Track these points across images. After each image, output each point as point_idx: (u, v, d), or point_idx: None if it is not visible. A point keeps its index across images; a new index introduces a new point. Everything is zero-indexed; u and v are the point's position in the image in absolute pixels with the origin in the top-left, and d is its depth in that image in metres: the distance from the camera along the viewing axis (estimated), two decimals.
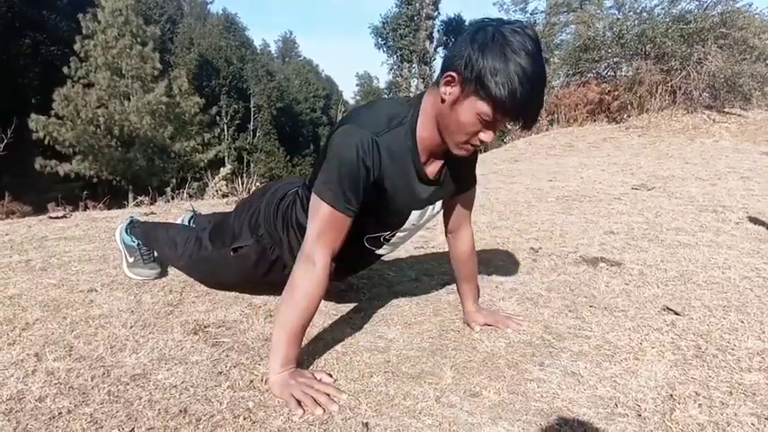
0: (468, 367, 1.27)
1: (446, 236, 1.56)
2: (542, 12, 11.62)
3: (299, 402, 1.08)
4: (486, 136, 1.13)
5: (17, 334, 1.38)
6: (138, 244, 1.86)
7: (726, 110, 8.09)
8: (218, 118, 28.52)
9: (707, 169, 4.58)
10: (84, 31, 18.26)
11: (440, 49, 26.33)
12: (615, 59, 9.11)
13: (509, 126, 1.19)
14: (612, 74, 9.27)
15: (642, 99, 8.10)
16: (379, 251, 1.48)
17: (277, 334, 1.17)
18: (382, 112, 1.22)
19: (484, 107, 1.06)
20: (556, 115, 8.82)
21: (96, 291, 1.72)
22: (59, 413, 1.04)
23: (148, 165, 18.84)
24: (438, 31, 26.50)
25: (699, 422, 1.05)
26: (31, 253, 2.15)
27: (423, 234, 2.47)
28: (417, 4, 25.26)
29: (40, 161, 17.49)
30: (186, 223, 2.08)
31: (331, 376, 1.21)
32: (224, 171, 4.92)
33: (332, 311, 1.62)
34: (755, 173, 4.34)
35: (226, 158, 24.32)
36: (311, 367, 1.26)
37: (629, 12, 8.98)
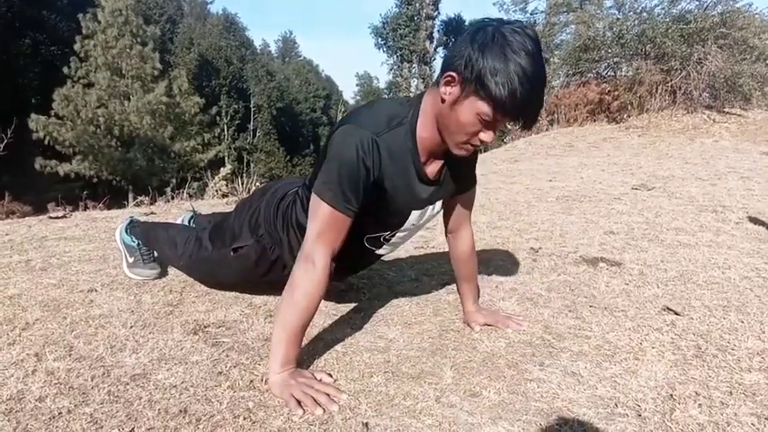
0: (468, 367, 1.27)
1: (446, 236, 1.56)
2: (542, 12, 11.64)
3: (298, 402, 1.08)
4: (487, 136, 1.13)
5: (17, 334, 1.38)
6: (138, 244, 1.86)
7: (726, 110, 8.09)
8: (218, 118, 28.52)
9: (707, 169, 4.58)
10: (84, 31, 18.27)
11: (440, 49, 26.34)
12: (615, 59, 9.11)
13: (509, 126, 1.19)
14: (612, 74, 9.28)
15: (642, 99, 8.10)
16: (380, 251, 1.48)
17: (277, 334, 1.17)
18: (382, 112, 1.22)
19: (484, 107, 1.06)
20: (556, 115, 8.82)
21: (96, 291, 1.72)
22: (59, 413, 1.03)
23: (148, 165, 18.84)
24: (438, 31, 26.51)
25: (699, 422, 1.05)
26: (31, 253, 2.15)
27: (423, 234, 2.47)
28: (417, 4, 25.25)
29: (39, 161, 17.50)
30: (186, 223, 2.08)
31: (331, 376, 1.21)
32: (224, 171, 4.92)
33: (332, 311, 1.62)
34: (755, 173, 4.34)
35: (226, 158, 24.32)
36: (311, 367, 1.26)
37: (629, 12, 8.99)
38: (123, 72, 18.70)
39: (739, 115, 7.92)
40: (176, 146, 19.66)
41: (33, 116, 16.93)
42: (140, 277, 1.83)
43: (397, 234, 1.41)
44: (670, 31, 7.88)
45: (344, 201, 1.17)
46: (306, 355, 1.30)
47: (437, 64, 25.96)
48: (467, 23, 25.29)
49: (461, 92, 1.08)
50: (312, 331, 1.43)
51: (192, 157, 20.16)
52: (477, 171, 1.45)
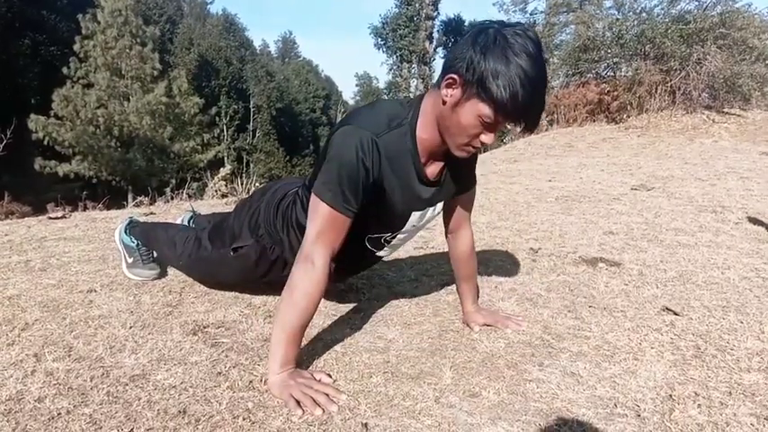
0: (467, 368, 1.27)
1: (446, 236, 1.56)
2: (542, 12, 11.66)
3: (298, 403, 1.08)
4: (487, 138, 1.13)
5: (16, 334, 1.38)
6: (138, 244, 1.86)
7: (725, 110, 8.10)
8: (217, 118, 28.49)
9: (706, 169, 4.58)
10: (83, 32, 18.26)
11: (439, 50, 26.36)
12: (615, 60, 9.12)
13: (509, 127, 1.19)
14: (612, 74, 9.29)
15: (641, 99, 8.11)
16: (380, 253, 1.48)
17: (276, 334, 1.17)
18: (382, 112, 1.22)
19: (485, 109, 1.07)
20: (555, 115, 8.83)
21: (96, 291, 1.72)
22: (58, 414, 1.03)
23: (148, 165, 18.84)
24: (438, 31, 26.53)
25: (698, 422, 1.05)
26: (30, 253, 2.15)
27: (422, 234, 2.47)
28: (417, 5, 25.26)
29: (39, 161, 17.49)
30: (186, 223, 2.08)
31: (330, 376, 1.20)
32: (223, 171, 4.92)
33: (331, 312, 1.62)
34: (755, 173, 4.34)
35: (225, 159, 24.31)
36: (310, 367, 1.26)
37: (629, 12, 9.00)
38: (123, 72, 18.69)
39: (738, 115, 7.93)
40: (176, 146, 19.65)
41: (33, 116, 16.92)
42: (140, 278, 1.83)
43: (398, 236, 1.41)
44: (669, 31, 7.89)
45: (344, 201, 1.17)
46: (305, 356, 1.30)
47: (437, 64, 26.00)
48: (466, 24, 25.31)
49: (463, 94, 1.08)
50: (311, 331, 1.43)
51: (191, 158, 20.15)
52: (477, 171, 1.45)
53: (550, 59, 9.93)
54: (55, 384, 1.14)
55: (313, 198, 1.20)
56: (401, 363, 1.29)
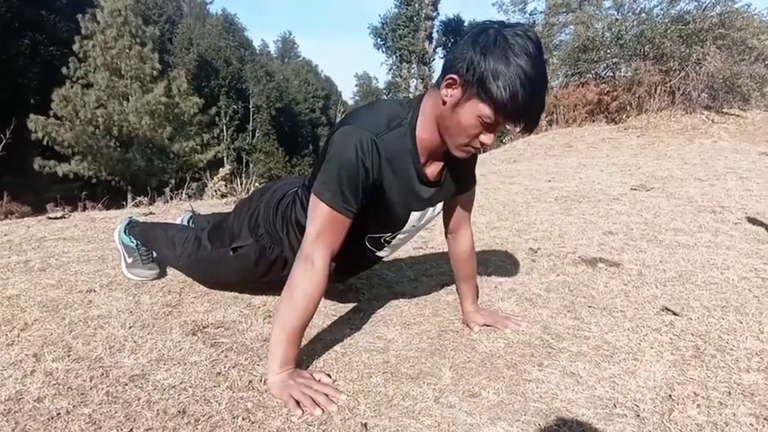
0: (467, 368, 1.27)
1: (446, 236, 1.56)
2: (541, 12, 11.67)
3: (297, 403, 1.08)
4: (487, 138, 1.13)
5: (16, 334, 1.38)
6: (137, 244, 1.86)
7: (724, 110, 8.10)
8: (217, 118, 28.48)
9: (705, 170, 4.59)
10: (83, 32, 18.22)
11: (439, 50, 26.37)
12: (614, 60, 9.12)
13: (508, 127, 1.20)
14: (611, 74, 9.29)
15: (641, 99, 8.11)
16: (380, 253, 1.48)
17: (276, 334, 1.17)
18: (382, 112, 1.22)
19: (485, 110, 1.07)
20: (555, 116, 8.83)
21: (95, 291, 1.72)
22: (58, 414, 1.03)
23: (147, 165, 18.82)
24: (437, 31, 26.54)
25: (697, 422, 1.05)
26: (29, 253, 2.15)
27: (422, 234, 2.47)
28: (416, 5, 25.28)
29: (38, 161, 17.46)
30: (185, 223, 2.08)
31: (330, 377, 1.21)
32: (223, 171, 4.92)
33: (331, 312, 1.62)
34: (754, 173, 4.35)
35: (225, 159, 24.32)
36: (310, 368, 1.26)
37: (628, 12, 9.00)
38: (122, 72, 18.67)
39: (738, 116, 7.93)
40: (175, 146, 19.63)
41: (32, 116, 16.89)
42: (139, 278, 1.82)
43: (398, 236, 1.41)
44: (669, 31, 7.89)
45: (343, 201, 1.17)
46: (305, 356, 1.30)
47: (436, 64, 26.02)
48: (466, 24, 25.33)
49: (463, 94, 1.08)
50: (311, 332, 1.43)
51: (190, 158, 20.14)
52: (477, 172, 1.45)
53: (550, 60, 9.93)
54: (54, 384, 1.14)
55: (312, 198, 1.20)
56: (401, 363, 1.29)
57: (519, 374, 1.24)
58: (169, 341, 1.37)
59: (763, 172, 4.41)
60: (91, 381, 1.16)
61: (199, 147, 20.67)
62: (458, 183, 1.37)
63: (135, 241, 1.86)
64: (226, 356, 1.30)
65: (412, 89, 26.03)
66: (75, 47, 18.24)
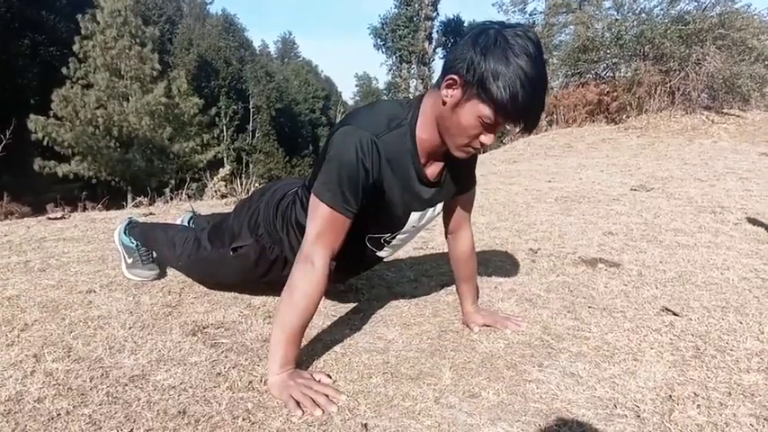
0: (467, 368, 1.27)
1: (446, 237, 1.56)
2: (541, 12, 11.65)
3: (297, 403, 1.08)
4: (487, 139, 1.13)
5: (16, 335, 1.38)
6: (137, 245, 1.86)
7: (724, 111, 8.11)
8: (217, 119, 28.48)
9: (705, 170, 4.59)
10: (83, 32, 18.24)
11: (439, 50, 26.38)
12: (614, 60, 9.12)
13: (508, 127, 1.20)
14: (611, 75, 9.29)
15: (641, 100, 8.11)
16: (381, 253, 1.48)
17: (276, 335, 1.17)
18: (382, 113, 1.22)
19: (485, 110, 1.07)
20: (555, 116, 8.83)
21: (95, 292, 1.72)
22: (58, 414, 1.03)
23: (147, 165, 18.83)
24: (437, 31, 26.55)
25: (697, 423, 1.05)
26: (29, 254, 2.15)
27: (422, 235, 2.47)
28: (416, 5, 25.28)
29: (38, 162, 17.46)
30: (186, 224, 2.08)
31: (330, 377, 1.21)
32: (223, 172, 4.91)
33: (331, 312, 1.62)
34: (754, 173, 4.35)
35: (225, 159, 24.29)
36: (310, 368, 1.26)
37: (628, 13, 9.00)
38: (122, 73, 18.68)
39: (738, 116, 7.94)
40: (175, 147, 19.64)
41: (32, 117, 16.90)
42: (139, 278, 1.82)
43: (398, 236, 1.41)
44: (669, 31, 7.89)
45: (343, 202, 1.17)
46: (305, 356, 1.30)
47: (436, 65, 26.02)
48: (466, 24, 25.34)
49: (463, 95, 1.08)
50: (311, 332, 1.43)
51: (190, 158, 20.14)
52: (477, 172, 1.45)
53: (550, 60, 9.93)
54: (54, 385, 1.14)
55: (313, 198, 1.20)
56: (401, 363, 1.29)
57: (519, 375, 1.24)
58: (169, 342, 1.37)
59: (763, 172, 4.41)
60: (91, 381, 1.16)
61: (199, 147, 20.68)
62: (458, 183, 1.37)
63: (135, 242, 1.86)
64: (226, 357, 1.30)
65: (412, 89, 26.03)
66: (75, 47, 18.25)
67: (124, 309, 1.58)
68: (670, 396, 1.14)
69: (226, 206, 3.38)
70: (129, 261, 1.85)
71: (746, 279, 1.90)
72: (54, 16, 23.11)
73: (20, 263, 2.01)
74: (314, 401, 1.08)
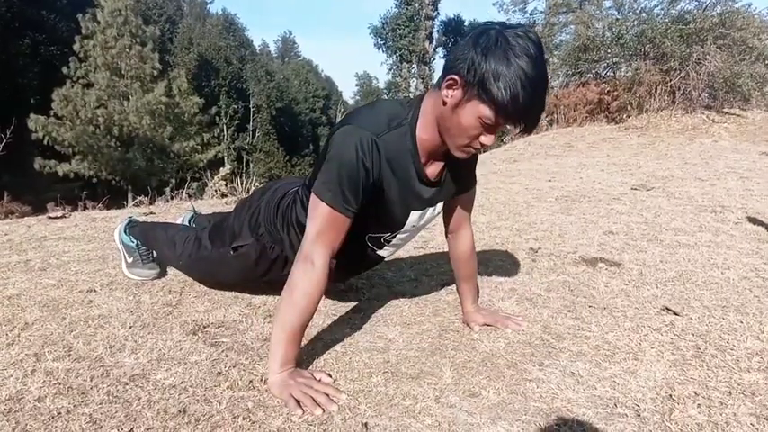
0: (467, 367, 1.27)
1: (446, 236, 1.56)
2: (542, 12, 11.65)
3: (298, 402, 1.08)
4: (487, 139, 1.13)
5: (16, 334, 1.38)
6: (137, 244, 1.86)
7: (725, 110, 8.10)
8: (217, 118, 28.48)
9: (706, 169, 4.59)
10: (83, 32, 18.23)
11: (439, 50, 26.34)
12: (614, 60, 9.12)
13: (508, 128, 1.20)
14: (612, 74, 9.29)
15: (641, 99, 8.11)
16: (381, 253, 1.48)
17: (276, 334, 1.17)
18: (382, 112, 1.22)
19: (486, 111, 1.07)
20: (555, 115, 8.83)
21: (95, 291, 1.72)
22: (58, 413, 1.03)
23: (148, 165, 18.83)
24: (437, 31, 26.51)
25: (698, 422, 1.05)
26: (30, 253, 2.15)
27: (422, 234, 2.47)
28: (417, 5, 25.25)
29: (39, 161, 17.47)
30: (186, 223, 2.08)
31: (330, 376, 1.21)
32: (223, 171, 4.92)
33: (331, 311, 1.62)
34: (754, 173, 4.34)
35: (225, 158, 24.29)
36: (310, 367, 1.26)
37: (629, 12, 9.00)
38: (122, 72, 18.68)
39: (738, 115, 7.93)
40: (175, 146, 19.63)
41: (33, 116, 16.90)
42: (139, 277, 1.83)
43: (398, 236, 1.41)
44: (669, 31, 7.89)
45: (344, 201, 1.17)
46: (305, 355, 1.30)
47: (436, 64, 25.99)
48: (466, 24, 25.31)
49: (463, 95, 1.08)
50: (311, 331, 1.43)
51: (191, 158, 20.14)
52: (477, 171, 1.45)
53: (550, 59, 9.93)
54: (55, 384, 1.14)
55: (313, 198, 1.20)
56: (401, 362, 1.29)
57: (519, 374, 1.24)
58: (170, 341, 1.37)
59: (763, 172, 4.41)
60: (91, 380, 1.16)
61: (199, 146, 20.67)
62: (458, 183, 1.37)
63: (135, 241, 1.86)
64: (226, 356, 1.30)
65: (412, 89, 26.01)
66: (76, 46, 18.25)
67: (124, 308, 1.58)
68: (670, 395, 1.14)
69: (226, 205, 3.38)
70: (130, 260, 1.85)
71: (747, 278, 1.90)
72: (54, 16, 23.11)
73: (20, 262, 2.02)
74: (314, 400, 1.08)
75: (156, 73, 19.19)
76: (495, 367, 1.27)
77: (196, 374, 1.20)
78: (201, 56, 32.79)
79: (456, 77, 1.07)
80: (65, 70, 18.24)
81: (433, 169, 1.29)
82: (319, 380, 1.17)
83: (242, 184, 4.56)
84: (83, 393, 1.11)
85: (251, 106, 35.79)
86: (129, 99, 18.52)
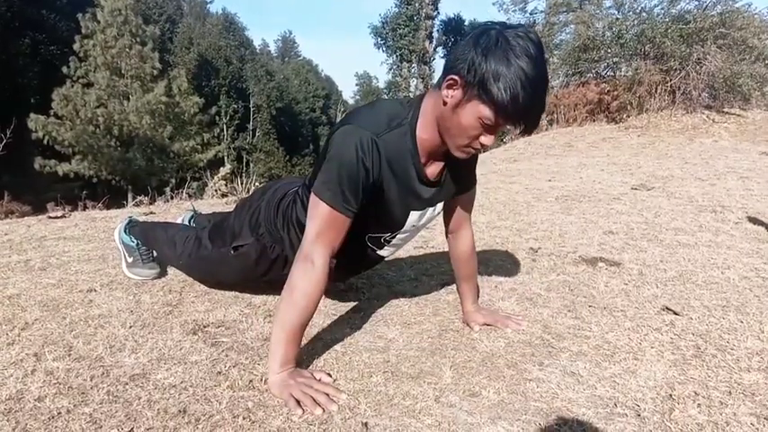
0: (467, 367, 1.27)
1: (446, 236, 1.56)
2: (542, 12, 11.62)
3: (298, 402, 1.08)
4: (487, 140, 1.13)
5: (16, 334, 1.38)
6: (138, 244, 1.86)
7: (725, 110, 8.10)
8: (217, 118, 28.46)
9: (706, 169, 4.58)
10: (83, 31, 18.23)
11: (439, 49, 26.32)
12: (614, 59, 9.11)
13: (508, 128, 1.20)
14: (612, 74, 9.28)
15: (641, 99, 8.10)
16: (381, 252, 1.48)
17: (276, 334, 1.17)
18: (383, 112, 1.22)
19: (486, 111, 1.07)
20: (555, 115, 8.83)
21: (95, 291, 1.72)
22: (58, 413, 1.03)
23: (148, 164, 18.82)
24: (437, 30, 26.49)
25: (698, 422, 1.05)
26: (30, 253, 2.15)
27: (422, 234, 2.47)
28: (417, 4, 25.24)
29: (39, 161, 17.46)
30: (186, 223, 2.08)
31: (330, 376, 1.21)
32: (223, 171, 4.92)
33: (331, 311, 1.62)
34: (754, 173, 4.34)
35: (225, 158, 24.27)
36: (310, 367, 1.26)
37: (629, 12, 8.99)
38: (122, 72, 18.67)
39: (738, 115, 7.93)
40: (176, 146, 19.63)
41: (33, 116, 16.89)
42: (139, 277, 1.83)
43: (398, 236, 1.41)
44: (669, 31, 7.88)
45: (343, 201, 1.17)
46: (305, 355, 1.30)
47: (436, 64, 25.98)
48: (466, 24, 25.31)
49: (464, 95, 1.08)
50: (311, 331, 1.43)
51: (191, 157, 20.13)
52: (477, 171, 1.45)
53: (550, 59, 9.92)
54: (55, 384, 1.14)
55: (313, 197, 1.20)
56: (401, 362, 1.29)
57: (519, 374, 1.24)
58: (170, 340, 1.37)
59: (763, 171, 4.41)
60: (91, 380, 1.16)
61: (199, 146, 20.67)
62: (458, 183, 1.37)
63: (135, 241, 1.86)
64: (226, 356, 1.30)
65: (412, 88, 26.00)
66: (76, 46, 18.25)
67: (125, 308, 1.58)
68: (670, 395, 1.14)
69: (226, 205, 3.38)
70: (130, 260, 1.85)
71: (747, 278, 1.90)
72: (54, 15, 23.11)
73: (20, 262, 2.02)
74: (314, 400, 1.08)
75: (156, 72, 19.18)
76: (495, 367, 1.27)
77: (196, 374, 1.20)
78: (201, 55, 32.79)
79: (456, 77, 1.07)
80: (65, 70, 18.24)
81: (433, 169, 1.28)
82: (319, 380, 1.17)
83: (242, 183, 4.56)
84: (83, 393, 1.11)
85: (251, 106, 35.80)
86: (129, 99, 18.52)
